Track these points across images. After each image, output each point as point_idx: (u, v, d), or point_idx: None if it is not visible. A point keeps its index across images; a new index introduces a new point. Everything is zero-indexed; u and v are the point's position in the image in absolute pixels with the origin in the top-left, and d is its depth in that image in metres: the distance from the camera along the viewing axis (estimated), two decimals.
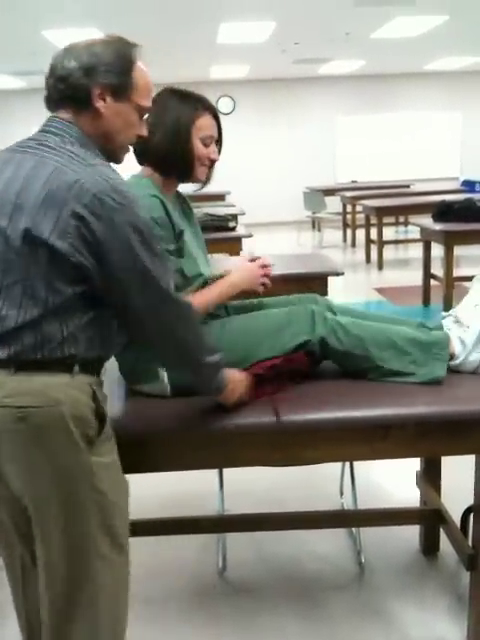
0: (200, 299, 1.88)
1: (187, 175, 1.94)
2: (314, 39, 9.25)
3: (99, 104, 1.43)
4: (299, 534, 2.57)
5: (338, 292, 5.71)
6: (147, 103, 1.51)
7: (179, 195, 2.08)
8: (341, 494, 2.81)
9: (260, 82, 13.22)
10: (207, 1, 6.74)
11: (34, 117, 15.51)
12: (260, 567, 2.43)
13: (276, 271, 3.56)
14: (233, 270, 2.01)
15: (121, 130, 1.47)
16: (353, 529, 2.56)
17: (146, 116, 1.56)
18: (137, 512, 2.63)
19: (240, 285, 1.97)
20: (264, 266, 2.02)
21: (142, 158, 1.94)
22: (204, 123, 1.90)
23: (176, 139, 1.88)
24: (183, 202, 2.09)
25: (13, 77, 11.24)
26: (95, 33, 7.90)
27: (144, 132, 1.55)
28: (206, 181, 2.02)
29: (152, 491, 2.86)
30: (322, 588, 2.30)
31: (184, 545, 2.56)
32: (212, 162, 1.96)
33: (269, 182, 13.66)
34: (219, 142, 1.99)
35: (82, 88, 1.41)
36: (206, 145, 1.91)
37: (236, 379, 1.72)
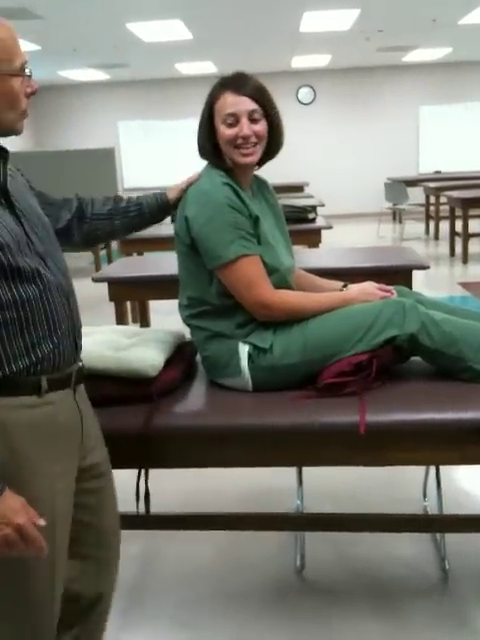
0: (303, 301, 1.86)
1: (225, 163, 1.85)
2: (399, 26, 9.01)
3: None
4: (379, 537, 2.49)
5: (421, 287, 5.56)
6: (9, 65, 1.28)
7: (262, 184, 2.04)
8: (424, 497, 2.71)
9: (341, 71, 12.98)
10: None
11: (115, 109, 15.68)
12: (338, 568, 2.37)
13: (358, 264, 3.50)
14: (353, 288, 1.97)
15: None
16: (437, 534, 2.47)
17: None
18: (216, 505, 2.64)
19: (352, 302, 1.89)
20: (384, 290, 1.95)
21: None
22: (220, 104, 1.79)
23: (200, 134, 1.86)
24: (266, 190, 2.03)
25: (96, 70, 11.46)
26: (178, 25, 7.95)
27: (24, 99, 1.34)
28: (261, 163, 1.90)
29: (231, 485, 2.86)
30: (403, 593, 2.22)
31: (263, 541, 2.52)
32: (245, 138, 1.77)
33: (349, 173, 13.43)
34: (267, 114, 1.80)
35: None
36: (231, 125, 1.78)
37: (13, 506, 1.20)
